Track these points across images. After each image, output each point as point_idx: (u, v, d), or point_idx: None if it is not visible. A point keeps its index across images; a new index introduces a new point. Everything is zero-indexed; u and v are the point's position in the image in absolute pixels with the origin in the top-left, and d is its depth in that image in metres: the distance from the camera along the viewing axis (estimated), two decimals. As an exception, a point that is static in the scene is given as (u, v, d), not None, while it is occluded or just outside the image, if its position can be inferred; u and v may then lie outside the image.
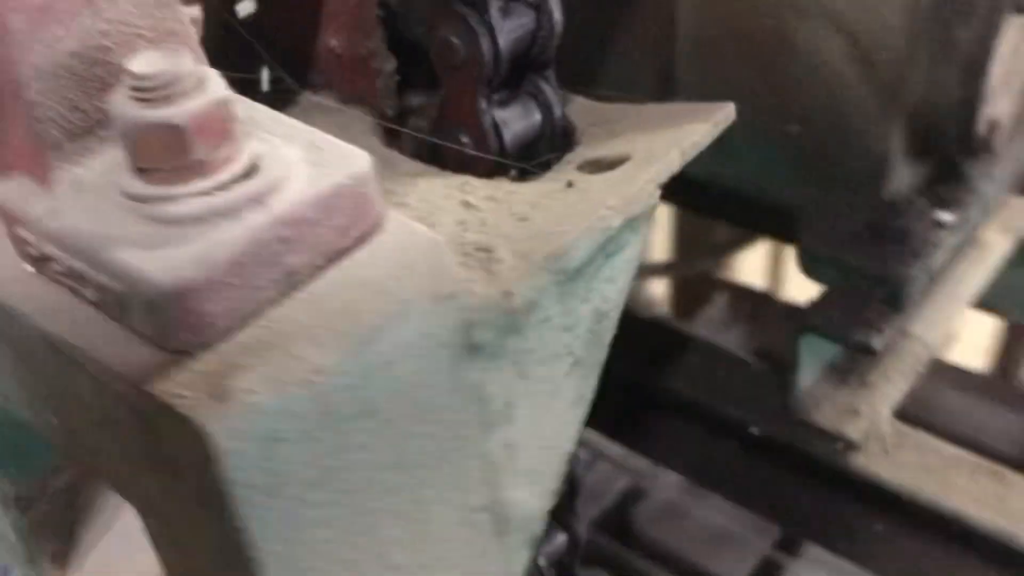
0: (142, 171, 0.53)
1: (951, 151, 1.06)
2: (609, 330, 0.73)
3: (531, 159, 0.76)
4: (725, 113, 0.77)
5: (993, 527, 1.06)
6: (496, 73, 0.75)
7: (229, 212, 0.52)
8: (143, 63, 0.52)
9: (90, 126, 0.57)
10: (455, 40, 0.74)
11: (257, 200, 0.52)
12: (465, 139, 0.77)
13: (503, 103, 0.77)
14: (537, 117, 0.79)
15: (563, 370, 0.70)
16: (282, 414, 0.49)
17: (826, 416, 1.08)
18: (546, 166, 0.76)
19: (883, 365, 1.11)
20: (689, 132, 0.76)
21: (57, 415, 0.59)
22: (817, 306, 1.07)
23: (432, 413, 0.58)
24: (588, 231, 0.67)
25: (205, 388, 0.48)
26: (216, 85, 0.53)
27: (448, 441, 0.60)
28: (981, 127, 1.02)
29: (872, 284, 1.02)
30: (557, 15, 0.76)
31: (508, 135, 0.77)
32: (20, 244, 0.57)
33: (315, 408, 0.50)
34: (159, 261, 0.50)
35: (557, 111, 0.79)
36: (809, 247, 1.09)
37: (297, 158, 0.56)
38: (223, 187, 0.53)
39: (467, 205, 0.71)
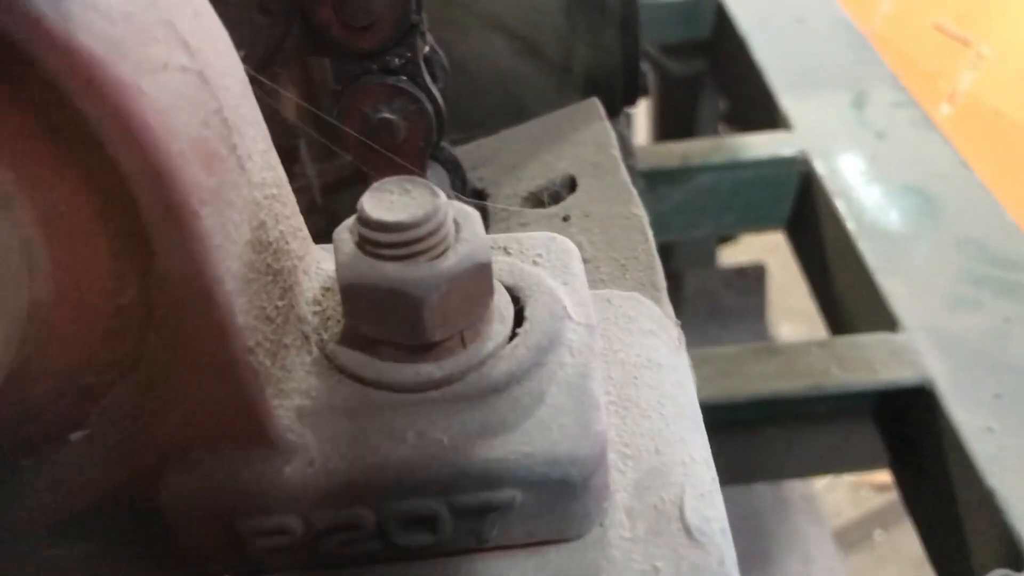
0: (411, 352, 0.41)
1: (616, 106, 1.17)
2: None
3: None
4: (594, 105, 0.79)
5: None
6: (438, 141, 0.67)
7: (539, 360, 0.43)
8: (395, 205, 0.40)
9: (279, 337, 0.41)
10: (392, 117, 0.65)
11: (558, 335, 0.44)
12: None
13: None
14: (445, 175, 0.73)
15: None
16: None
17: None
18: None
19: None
20: (600, 132, 0.76)
21: None
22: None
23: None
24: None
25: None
26: (473, 222, 0.42)
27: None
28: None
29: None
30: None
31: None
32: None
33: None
34: (548, 437, 0.40)
35: (459, 165, 0.74)
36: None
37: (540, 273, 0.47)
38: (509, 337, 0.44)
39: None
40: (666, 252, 2.37)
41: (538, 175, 0.74)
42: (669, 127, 2.27)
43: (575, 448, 0.40)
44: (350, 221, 0.43)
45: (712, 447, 1.30)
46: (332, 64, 0.63)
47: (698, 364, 1.19)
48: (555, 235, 0.50)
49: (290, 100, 0.67)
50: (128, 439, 0.41)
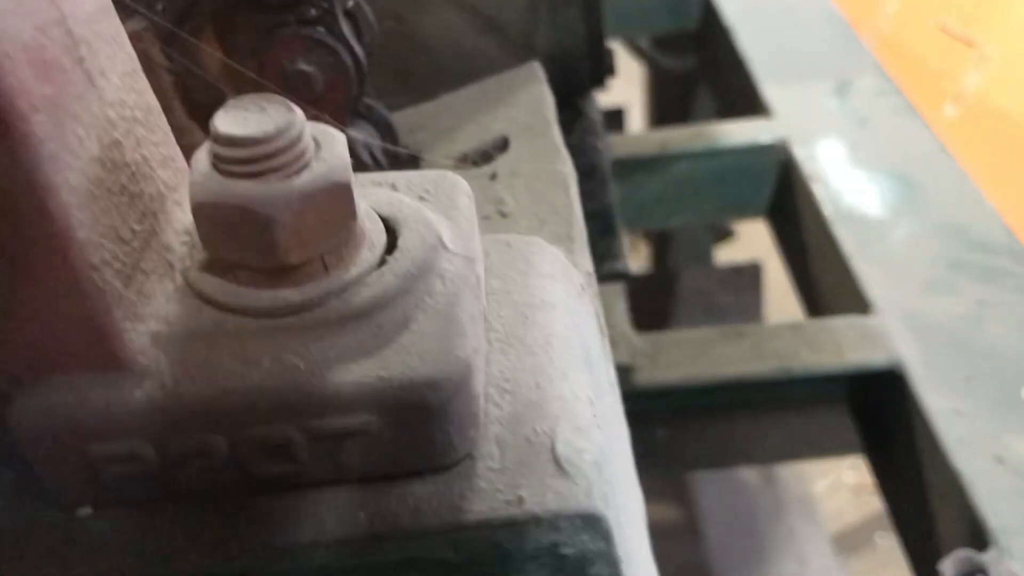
0: (269, 276, 0.40)
1: (582, 86, 1.15)
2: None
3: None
4: (535, 69, 0.78)
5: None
6: (359, 95, 0.66)
7: (407, 288, 0.42)
8: (248, 121, 0.39)
9: (136, 261, 0.40)
10: (309, 69, 0.64)
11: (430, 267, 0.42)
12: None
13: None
14: (375, 133, 0.72)
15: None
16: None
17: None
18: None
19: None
20: (536, 95, 0.75)
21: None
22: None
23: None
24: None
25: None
26: (335, 142, 0.41)
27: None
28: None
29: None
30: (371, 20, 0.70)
31: (374, 156, 0.69)
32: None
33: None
34: (407, 362, 0.39)
35: (392, 126, 0.73)
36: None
37: (415, 203, 0.45)
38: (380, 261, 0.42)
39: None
40: (662, 249, 2.37)
41: (473, 137, 0.73)
42: (664, 123, 2.26)
43: (433, 372, 0.39)
44: (208, 142, 0.42)
45: (682, 430, 1.28)
46: (249, 15, 0.62)
47: (667, 347, 1.17)
48: (447, 172, 0.49)
49: (211, 56, 0.66)
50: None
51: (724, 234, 2.35)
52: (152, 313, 0.41)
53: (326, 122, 0.65)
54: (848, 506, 2.51)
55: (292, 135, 0.39)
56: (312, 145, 0.40)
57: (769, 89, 1.50)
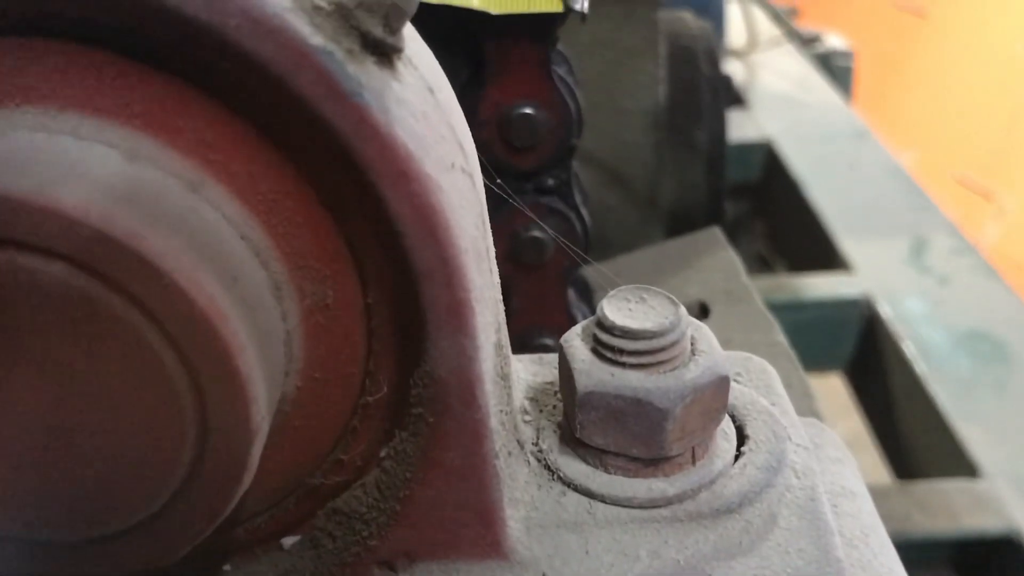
0: (642, 465, 0.40)
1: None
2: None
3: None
4: (717, 234, 0.80)
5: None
6: (583, 260, 0.68)
7: (769, 482, 0.42)
8: (635, 312, 0.39)
9: (508, 445, 0.40)
10: (542, 235, 0.65)
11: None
12: (549, 341, 0.68)
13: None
14: (576, 295, 0.73)
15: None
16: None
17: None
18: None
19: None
20: (726, 260, 0.76)
21: None
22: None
23: None
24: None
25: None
26: (707, 334, 0.42)
27: None
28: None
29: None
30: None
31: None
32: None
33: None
34: (788, 562, 0.39)
35: (590, 288, 0.74)
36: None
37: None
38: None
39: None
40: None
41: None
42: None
43: (816, 574, 0.39)
44: (579, 328, 0.42)
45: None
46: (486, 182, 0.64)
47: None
48: (750, 355, 0.50)
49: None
50: (351, 546, 0.39)
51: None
52: (519, 498, 0.41)
53: (549, 286, 0.66)
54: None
55: (682, 329, 0.40)
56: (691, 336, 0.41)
57: (846, 243, 1.53)
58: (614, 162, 1.12)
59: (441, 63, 0.39)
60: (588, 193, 0.71)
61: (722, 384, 0.40)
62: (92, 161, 0.31)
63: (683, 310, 0.41)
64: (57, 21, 0.32)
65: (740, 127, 1.85)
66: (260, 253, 0.34)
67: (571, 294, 0.69)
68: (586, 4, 0.61)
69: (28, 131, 0.32)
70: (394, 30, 0.32)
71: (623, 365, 0.39)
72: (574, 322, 0.68)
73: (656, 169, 1.13)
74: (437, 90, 0.36)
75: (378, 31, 0.31)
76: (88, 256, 0.30)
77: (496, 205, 0.65)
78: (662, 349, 0.39)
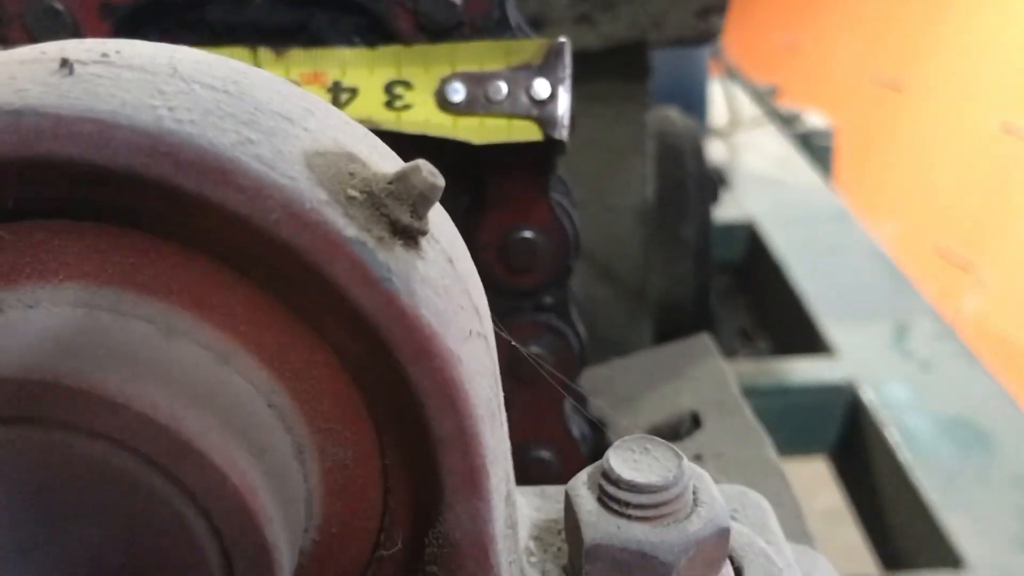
0: None
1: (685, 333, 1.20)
2: None
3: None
4: (707, 342, 0.82)
5: None
6: (578, 376, 0.69)
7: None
8: (640, 465, 0.41)
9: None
10: (540, 351, 0.67)
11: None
12: (546, 455, 0.70)
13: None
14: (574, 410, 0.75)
15: None
16: None
17: None
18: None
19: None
20: (717, 370, 0.78)
21: None
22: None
23: None
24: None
25: None
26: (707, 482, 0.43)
27: None
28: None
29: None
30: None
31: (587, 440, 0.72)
32: None
33: None
34: None
35: (584, 396, 0.76)
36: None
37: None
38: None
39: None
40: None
41: (659, 409, 0.76)
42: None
43: None
44: (583, 475, 0.44)
45: None
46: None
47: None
48: (746, 489, 0.51)
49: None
50: None
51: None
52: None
53: (546, 400, 0.68)
54: None
55: (685, 481, 0.42)
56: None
57: (829, 327, 1.56)
58: (604, 257, 1.15)
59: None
60: (584, 304, 0.73)
61: (723, 535, 0.42)
62: (132, 340, 0.33)
63: (686, 461, 0.42)
64: (96, 206, 0.34)
65: (723, 207, 1.88)
66: (285, 418, 0.36)
67: (567, 407, 0.70)
68: (566, 133, 0.63)
69: (70, 307, 0.34)
70: (420, 216, 0.34)
71: (629, 517, 0.41)
72: (570, 435, 0.70)
73: (645, 264, 1.16)
74: (456, 260, 0.38)
75: (406, 218, 0.34)
76: (130, 437, 0.31)
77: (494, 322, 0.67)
78: (666, 503, 0.41)
